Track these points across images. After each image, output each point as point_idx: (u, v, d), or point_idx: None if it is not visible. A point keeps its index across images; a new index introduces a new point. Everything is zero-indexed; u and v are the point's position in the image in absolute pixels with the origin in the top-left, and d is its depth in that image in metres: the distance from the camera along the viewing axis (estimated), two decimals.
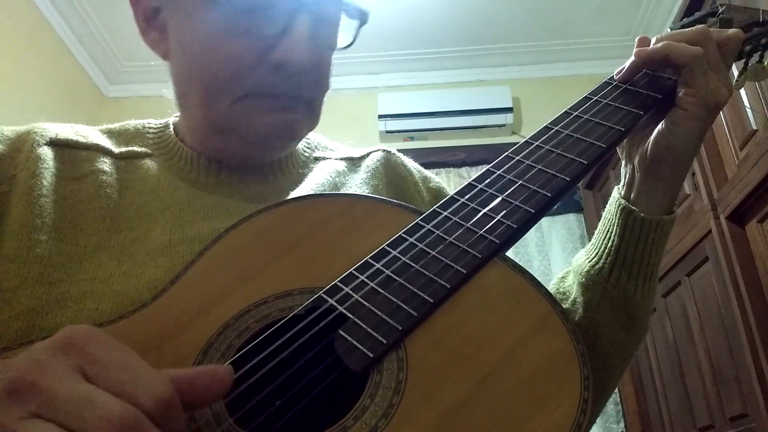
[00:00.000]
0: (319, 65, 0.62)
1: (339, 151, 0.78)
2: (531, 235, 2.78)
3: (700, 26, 0.63)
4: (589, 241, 0.66)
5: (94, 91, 3.03)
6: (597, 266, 0.61)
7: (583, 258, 0.64)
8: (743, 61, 0.70)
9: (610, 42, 2.96)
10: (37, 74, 2.59)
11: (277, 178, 0.69)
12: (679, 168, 0.61)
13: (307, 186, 0.68)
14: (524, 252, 2.78)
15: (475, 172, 2.82)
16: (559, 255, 2.76)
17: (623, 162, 0.65)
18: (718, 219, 1.72)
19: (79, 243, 0.56)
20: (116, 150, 0.66)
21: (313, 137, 0.78)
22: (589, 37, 2.95)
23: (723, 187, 1.72)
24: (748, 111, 1.61)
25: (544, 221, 2.81)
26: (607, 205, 0.65)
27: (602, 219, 0.65)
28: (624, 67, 0.64)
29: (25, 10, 2.53)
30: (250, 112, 0.60)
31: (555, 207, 2.88)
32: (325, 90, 0.65)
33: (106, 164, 0.64)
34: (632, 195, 0.62)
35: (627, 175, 0.64)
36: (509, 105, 2.94)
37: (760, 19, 0.70)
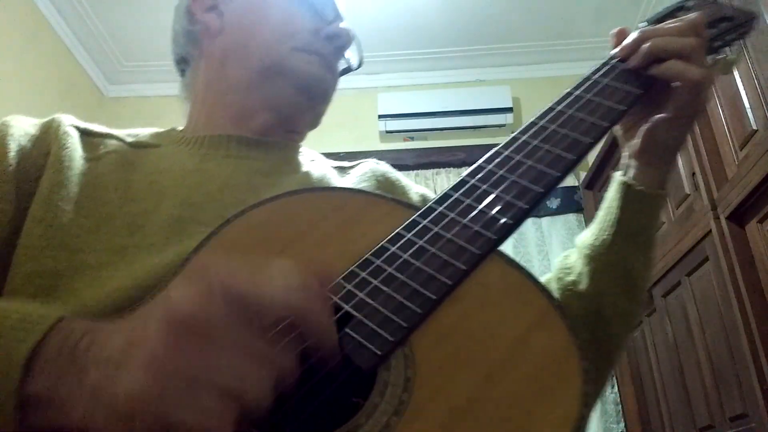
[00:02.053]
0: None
1: (331, 162, 0.84)
2: (531, 235, 2.78)
3: (692, 19, 0.65)
4: None
5: (94, 91, 3.03)
6: (601, 238, 0.68)
7: (587, 235, 0.71)
8: (712, 57, 0.72)
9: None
10: (37, 74, 2.59)
11: (278, 159, 0.76)
12: (670, 156, 0.68)
13: (303, 174, 0.75)
14: (524, 252, 2.77)
15: None
16: (559, 255, 2.75)
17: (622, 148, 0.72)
18: (718, 219, 1.72)
19: (95, 215, 0.62)
20: (128, 140, 0.74)
21: (307, 150, 0.84)
22: (589, 37, 2.95)
23: (723, 187, 1.72)
24: (748, 111, 1.61)
25: (544, 221, 2.81)
26: (609, 187, 0.71)
27: (603, 202, 0.71)
28: (627, 48, 0.71)
29: (25, 10, 2.53)
30: (304, 61, 0.76)
31: (555, 208, 2.87)
32: (332, 96, 0.81)
33: (119, 149, 0.71)
34: (630, 176, 0.69)
35: (625, 159, 0.71)
36: (509, 105, 2.94)
37: (727, 15, 0.71)
